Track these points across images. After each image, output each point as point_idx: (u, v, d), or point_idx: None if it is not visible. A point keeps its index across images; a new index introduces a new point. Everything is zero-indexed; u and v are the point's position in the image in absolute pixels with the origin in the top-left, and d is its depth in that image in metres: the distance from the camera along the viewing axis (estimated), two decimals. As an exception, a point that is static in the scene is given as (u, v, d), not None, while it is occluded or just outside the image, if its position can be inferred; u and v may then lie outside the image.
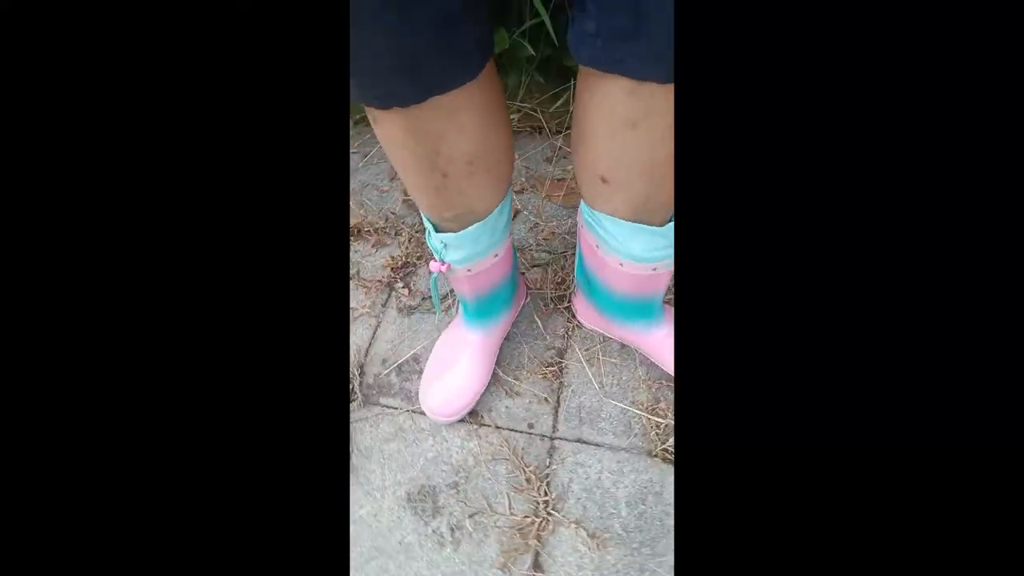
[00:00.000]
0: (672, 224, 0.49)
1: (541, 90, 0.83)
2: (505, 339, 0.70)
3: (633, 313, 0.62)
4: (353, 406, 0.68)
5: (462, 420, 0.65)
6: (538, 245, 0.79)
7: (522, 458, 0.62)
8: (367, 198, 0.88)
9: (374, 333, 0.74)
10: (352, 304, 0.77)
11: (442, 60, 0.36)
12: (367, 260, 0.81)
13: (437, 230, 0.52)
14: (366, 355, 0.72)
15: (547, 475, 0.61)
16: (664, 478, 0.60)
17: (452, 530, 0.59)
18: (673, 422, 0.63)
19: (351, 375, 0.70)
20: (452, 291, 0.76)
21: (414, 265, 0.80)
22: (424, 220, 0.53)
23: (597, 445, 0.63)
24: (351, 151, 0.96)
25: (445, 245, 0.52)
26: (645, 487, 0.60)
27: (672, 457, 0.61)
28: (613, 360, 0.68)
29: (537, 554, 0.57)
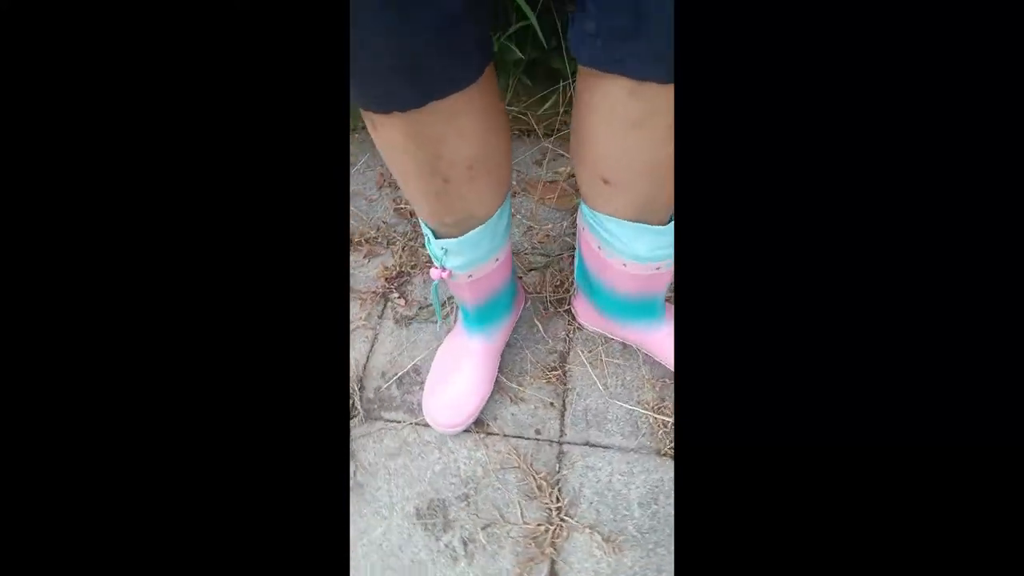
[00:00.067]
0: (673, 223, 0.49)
1: (529, 93, 0.82)
2: (506, 345, 0.69)
3: (636, 313, 0.61)
4: (354, 422, 0.67)
5: (468, 430, 0.64)
6: (533, 249, 0.78)
7: (531, 465, 0.62)
8: (356, 207, 0.87)
9: (372, 346, 0.72)
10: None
11: (443, 62, 0.35)
12: (360, 271, 0.80)
13: (437, 236, 0.51)
14: (364, 369, 0.71)
15: (558, 481, 0.61)
16: (675, 476, 0.60)
17: (465, 544, 0.58)
18: (680, 420, 0.63)
19: (351, 390, 0.69)
20: (450, 298, 0.75)
21: (408, 274, 0.78)
22: (423, 226, 0.52)
23: (606, 447, 0.62)
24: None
25: (446, 251, 0.51)
26: (656, 487, 0.59)
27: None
28: (616, 361, 0.68)
29: (553, 562, 0.56)
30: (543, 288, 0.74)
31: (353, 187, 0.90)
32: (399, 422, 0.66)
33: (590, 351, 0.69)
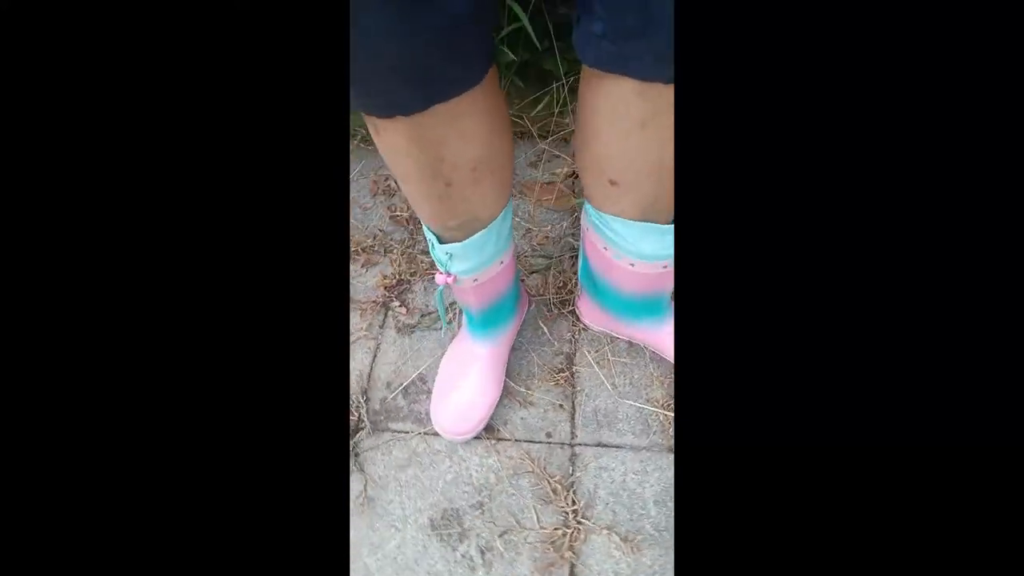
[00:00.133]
0: None
1: (521, 95, 0.82)
2: (512, 349, 0.69)
3: (642, 311, 0.62)
4: (361, 435, 0.65)
5: (478, 437, 0.64)
6: (533, 251, 0.78)
7: (544, 469, 0.61)
8: (351, 216, 0.85)
9: (374, 356, 0.71)
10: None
11: (447, 65, 0.35)
12: (358, 280, 0.78)
13: (440, 241, 0.50)
14: (369, 380, 0.69)
15: (572, 483, 0.60)
16: (688, 472, 0.60)
17: (482, 552, 0.57)
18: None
19: (356, 402, 0.67)
20: (451, 304, 0.74)
21: (408, 282, 0.77)
22: (426, 232, 0.51)
23: (618, 447, 0.62)
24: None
25: (450, 256, 0.50)
26: (671, 484, 0.59)
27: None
28: (623, 360, 0.68)
29: (572, 565, 0.55)
30: (546, 290, 0.74)
31: (346, 196, 0.89)
32: (407, 432, 0.65)
33: (596, 351, 0.69)
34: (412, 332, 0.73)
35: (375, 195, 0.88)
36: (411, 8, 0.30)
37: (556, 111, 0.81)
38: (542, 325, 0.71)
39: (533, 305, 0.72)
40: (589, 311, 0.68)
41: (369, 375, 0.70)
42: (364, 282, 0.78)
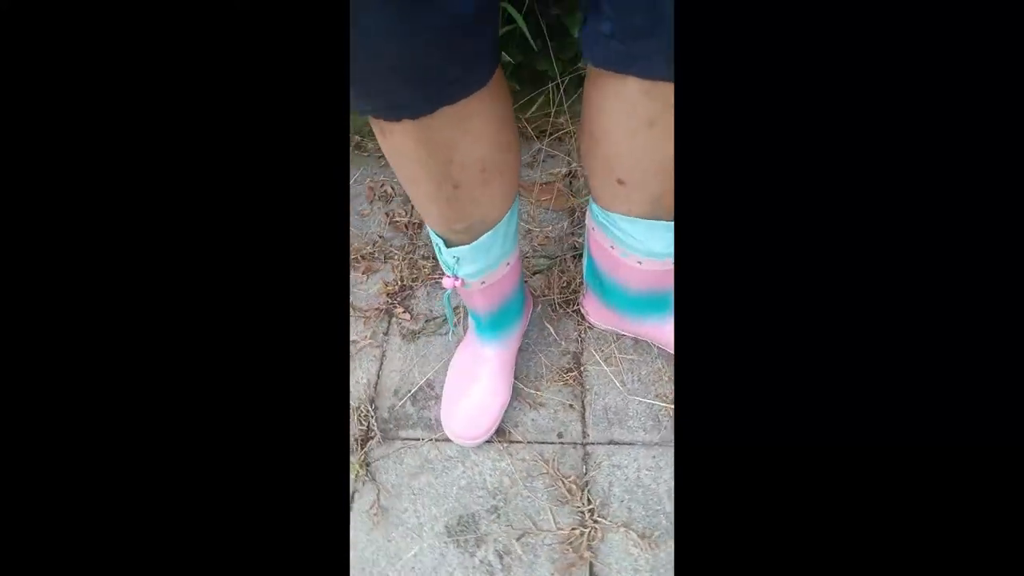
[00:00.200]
0: None
1: (516, 96, 0.82)
2: (519, 350, 0.69)
3: (649, 308, 0.62)
4: (372, 444, 0.65)
5: (490, 441, 0.63)
6: (535, 252, 0.78)
7: (558, 469, 0.61)
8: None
9: (380, 364, 0.71)
10: (352, 337, 0.73)
11: (455, 67, 0.35)
12: (360, 288, 0.78)
13: (448, 245, 0.50)
14: (376, 388, 0.69)
15: (586, 483, 0.60)
16: (701, 466, 0.60)
17: (500, 557, 0.57)
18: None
19: (364, 412, 0.67)
20: (455, 308, 0.73)
21: (411, 288, 0.77)
22: (432, 236, 0.51)
23: (630, 444, 0.62)
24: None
25: (458, 259, 0.50)
26: (684, 478, 0.60)
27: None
28: (630, 357, 0.68)
29: (592, 565, 0.55)
30: (550, 290, 0.74)
31: (343, 203, 0.88)
32: (418, 439, 0.65)
33: (603, 349, 0.69)
34: (417, 338, 0.72)
35: (372, 201, 0.87)
36: (411, 8, 0.30)
37: (552, 111, 0.81)
38: (548, 326, 0.71)
39: (539, 307, 0.72)
40: (595, 310, 0.68)
41: (376, 383, 0.69)
42: (366, 290, 0.77)
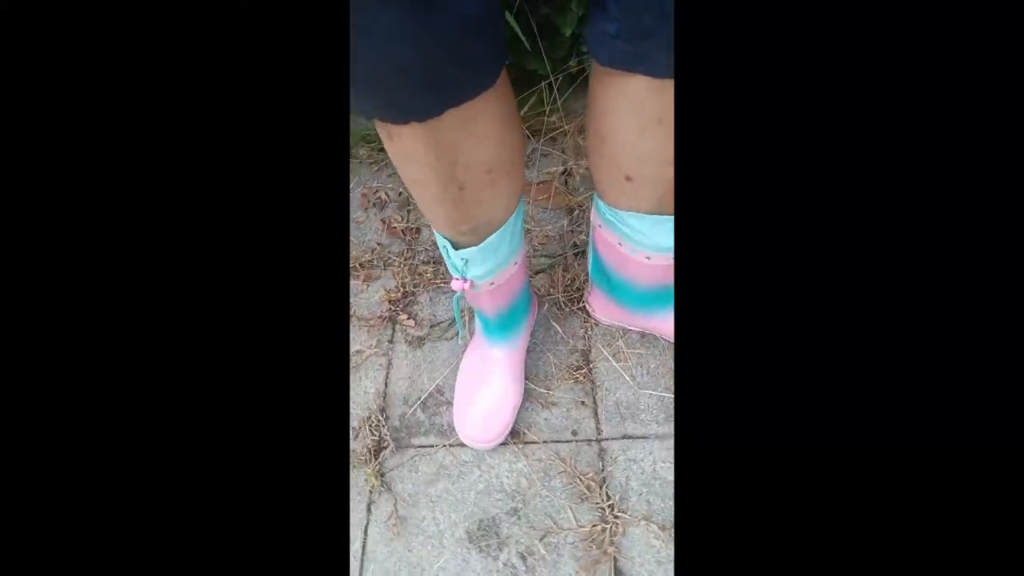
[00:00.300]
0: None
1: (507, 97, 0.82)
2: (527, 351, 0.69)
3: (656, 302, 0.62)
4: (385, 454, 0.64)
5: (504, 443, 0.63)
6: (535, 251, 0.78)
7: (575, 467, 0.61)
8: (344, 233, 0.83)
9: (387, 372, 0.70)
10: (356, 346, 0.72)
11: (464, 69, 0.34)
12: (361, 297, 0.77)
13: (455, 247, 0.49)
14: (385, 397, 0.68)
15: (604, 479, 0.60)
16: (715, 455, 0.61)
17: (524, 558, 0.57)
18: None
19: (375, 421, 0.66)
20: (461, 311, 0.73)
21: (413, 293, 0.76)
22: (438, 239, 0.50)
23: (644, 437, 0.63)
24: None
25: (466, 261, 0.50)
26: (699, 468, 0.60)
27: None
28: (638, 351, 0.69)
29: (615, 560, 0.56)
30: (554, 289, 0.74)
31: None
32: (432, 446, 0.64)
33: (611, 345, 0.69)
34: (423, 344, 0.72)
35: (366, 208, 0.86)
36: (424, 13, 0.29)
37: (547, 110, 0.81)
38: (554, 324, 0.71)
39: (545, 306, 0.72)
40: (602, 306, 0.68)
41: (385, 392, 0.68)
42: (367, 298, 0.76)
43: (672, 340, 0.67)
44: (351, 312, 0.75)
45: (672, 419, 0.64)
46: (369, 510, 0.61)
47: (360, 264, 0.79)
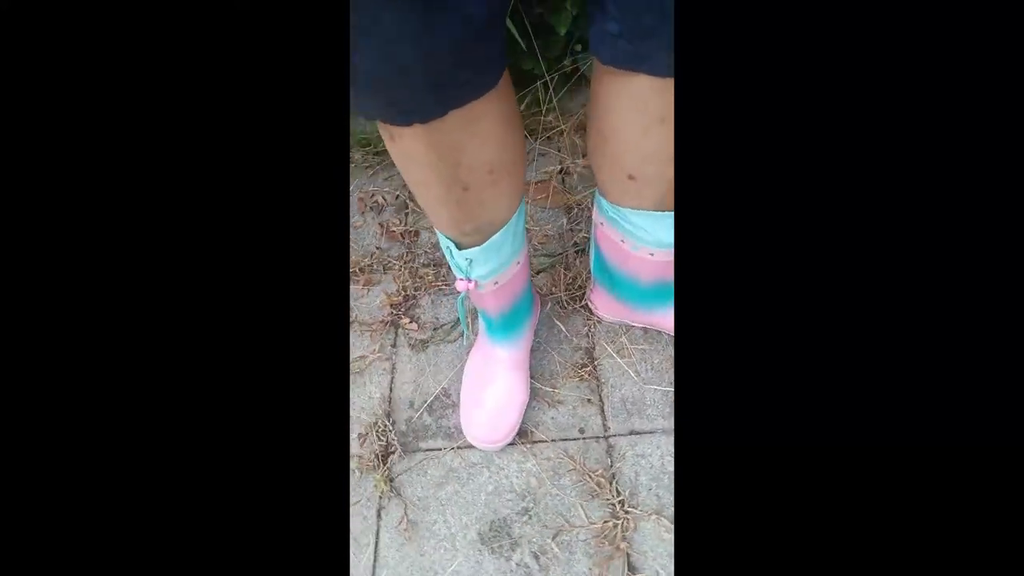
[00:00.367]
0: None
1: (502, 97, 0.82)
2: (532, 350, 0.69)
3: (658, 297, 0.63)
4: (393, 458, 0.63)
5: (512, 443, 0.63)
6: (536, 250, 0.78)
7: (584, 464, 0.61)
8: (341, 238, 0.83)
9: (392, 377, 0.69)
10: (359, 352, 0.72)
11: (467, 71, 0.34)
12: (362, 302, 0.76)
13: (459, 247, 0.49)
14: (390, 402, 0.68)
15: (613, 475, 0.61)
16: (722, 447, 0.62)
17: (537, 557, 0.57)
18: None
19: (382, 426, 0.65)
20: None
21: (414, 297, 0.76)
22: (441, 239, 0.50)
23: (651, 432, 0.63)
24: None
25: (470, 261, 0.50)
26: (707, 460, 0.61)
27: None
28: (641, 346, 0.69)
29: (628, 555, 0.56)
30: (556, 288, 0.74)
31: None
32: (439, 449, 0.64)
33: (614, 342, 0.70)
34: (427, 347, 0.71)
35: (363, 213, 0.86)
36: (425, 13, 0.29)
37: (543, 109, 0.81)
38: (557, 323, 0.71)
39: (548, 305, 0.73)
40: (605, 303, 0.69)
41: (390, 397, 0.68)
42: (368, 302, 0.76)
43: (672, 334, 0.68)
44: (353, 317, 0.75)
45: (678, 413, 0.64)
46: (379, 516, 0.60)
47: (360, 269, 0.79)
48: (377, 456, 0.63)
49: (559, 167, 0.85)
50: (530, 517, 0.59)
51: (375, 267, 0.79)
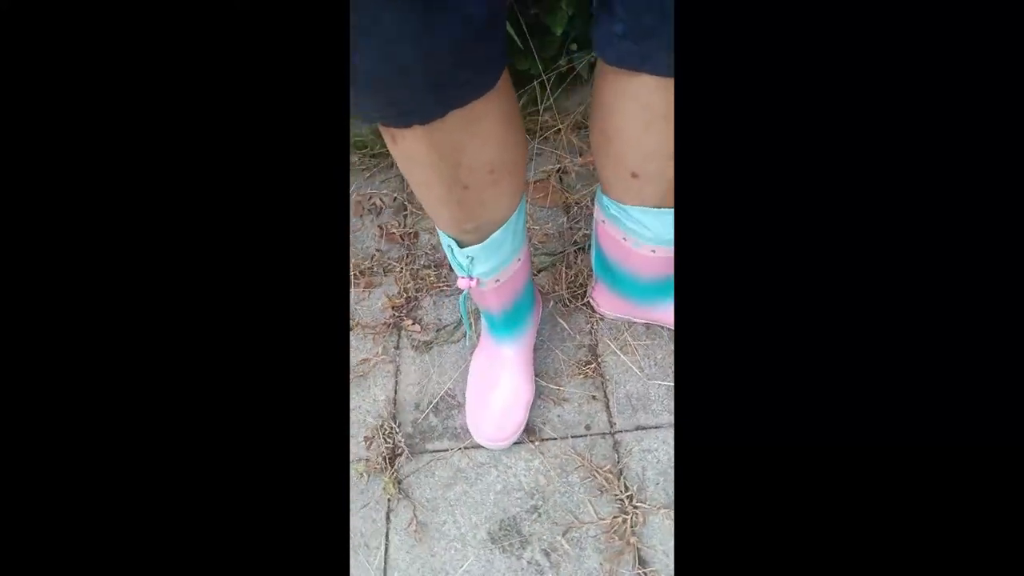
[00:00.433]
0: None
1: (499, 97, 0.82)
2: (536, 348, 0.69)
3: (660, 293, 0.63)
4: (400, 460, 0.63)
5: (519, 441, 0.63)
6: (536, 249, 0.78)
7: (591, 461, 0.62)
8: (340, 241, 0.82)
9: (396, 379, 0.69)
10: (363, 355, 0.71)
11: (467, 71, 0.35)
12: (363, 305, 0.76)
13: (460, 246, 0.50)
14: (396, 404, 0.67)
15: (620, 470, 0.61)
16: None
17: (547, 554, 0.57)
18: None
19: (388, 429, 0.65)
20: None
21: (416, 298, 0.76)
22: (442, 238, 0.50)
23: (656, 427, 0.64)
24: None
25: (472, 259, 0.50)
26: (712, 453, 0.62)
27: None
28: (644, 342, 0.70)
29: (638, 550, 0.56)
30: (558, 286, 0.74)
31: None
32: (447, 450, 0.64)
33: (617, 338, 0.70)
34: (430, 348, 0.71)
35: (361, 216, 0.85)
36: (425, 13, 0.29)
37: (541, 109, 0.82)
38: (560, 321, 0.72)
39: (550, 303, 0.73)
40: (606, 300, 0.69)
41: (395, 399, 0.68)
42: (369, 305, 0.76)
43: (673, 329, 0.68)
44: (355, 320, 0.75)
45: (682, 407, 0.65)
46: (388, 518, 0.60)
47: (360, 272, 0.78)
48: (384, 459, 0.63)
49: (557, 166, 0.85)
50: (539, 515, 0.59)
51: (375, 269, 0.79)
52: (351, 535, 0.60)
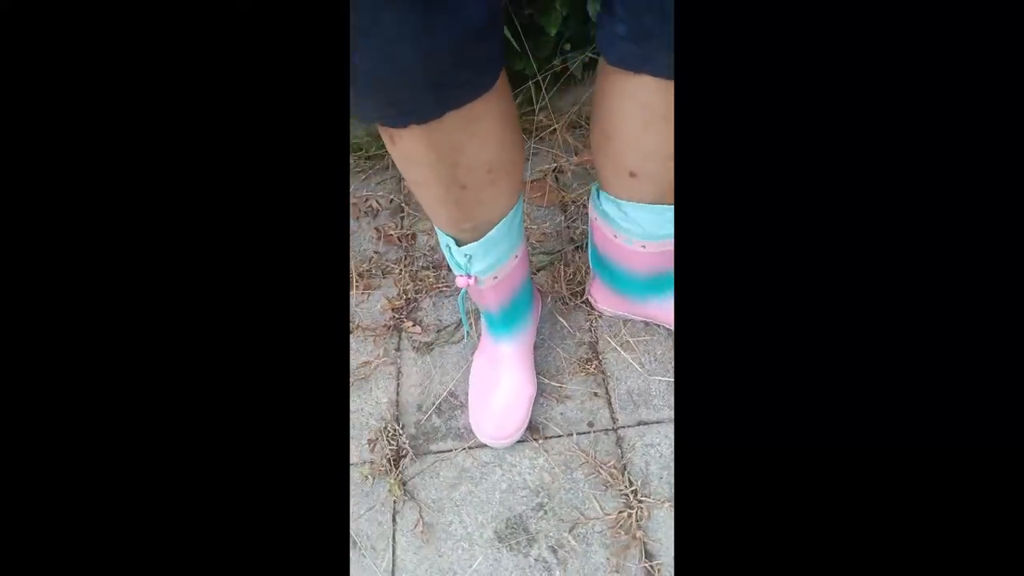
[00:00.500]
0: None
1: (494, 98, 0.82)
2: (536, 347, 0.69)
3: (654, 289, 0.64)
4: (405, 462, 0.63)
5: (523, 440, 0.64)
6: (534, 248, 0.79)
7: (595, 457, 0.62)
8: (338, 244, 0.82)
9: (398, 381, 0.69)
10: (363, 357, 0.71)
11: (466, 72, 0.35)
12: (362, 307, 0.76)
13: (458, 244, 0.50)
14: (398, 405, 0.67)
15: (624, 465, 0.62)
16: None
17: (554, 551, 0.57)
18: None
19: (392, 431, 0.65)
20: (466, 313, 0.73)
21: (415, 300, 0.76)
22: (440, 237, 0.51)
23: (658, 422, 0.64)
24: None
25: (469, 257, 0.50)
26: (714, 446, 0.62)
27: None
28: (643, 338, 0.70)
29: (644, 544, 0.57)
30: (557, 285, 0.75)
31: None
32: (450, 450, 0.64)
33: (617, 335, 0.71)
34: (431, 349, 0.71)
35: (358, 218, 0.85)
36: (430, 16, 0.30)
37: (537, 108, 0.82)
38: (560, 319, 0.72)
39: (549, 301, 0.73)
40: (604, 297, 0.70)
41: (397, 401, 0.68)
42: (369, 307, 0.75)
43: (670, 327, 0.69)
44: (355, 323, 0.74)
45: (683, 402, 0.65)
46: (394, 520, 0.60)
47: (359, 274, 0.78)
48: (389, 461, 0.63)
49: (553, 165, 0.85)
50: (545, 512, 0.59)
51: (373, 272, 0.79)
52: (358, 538, 0.60)
